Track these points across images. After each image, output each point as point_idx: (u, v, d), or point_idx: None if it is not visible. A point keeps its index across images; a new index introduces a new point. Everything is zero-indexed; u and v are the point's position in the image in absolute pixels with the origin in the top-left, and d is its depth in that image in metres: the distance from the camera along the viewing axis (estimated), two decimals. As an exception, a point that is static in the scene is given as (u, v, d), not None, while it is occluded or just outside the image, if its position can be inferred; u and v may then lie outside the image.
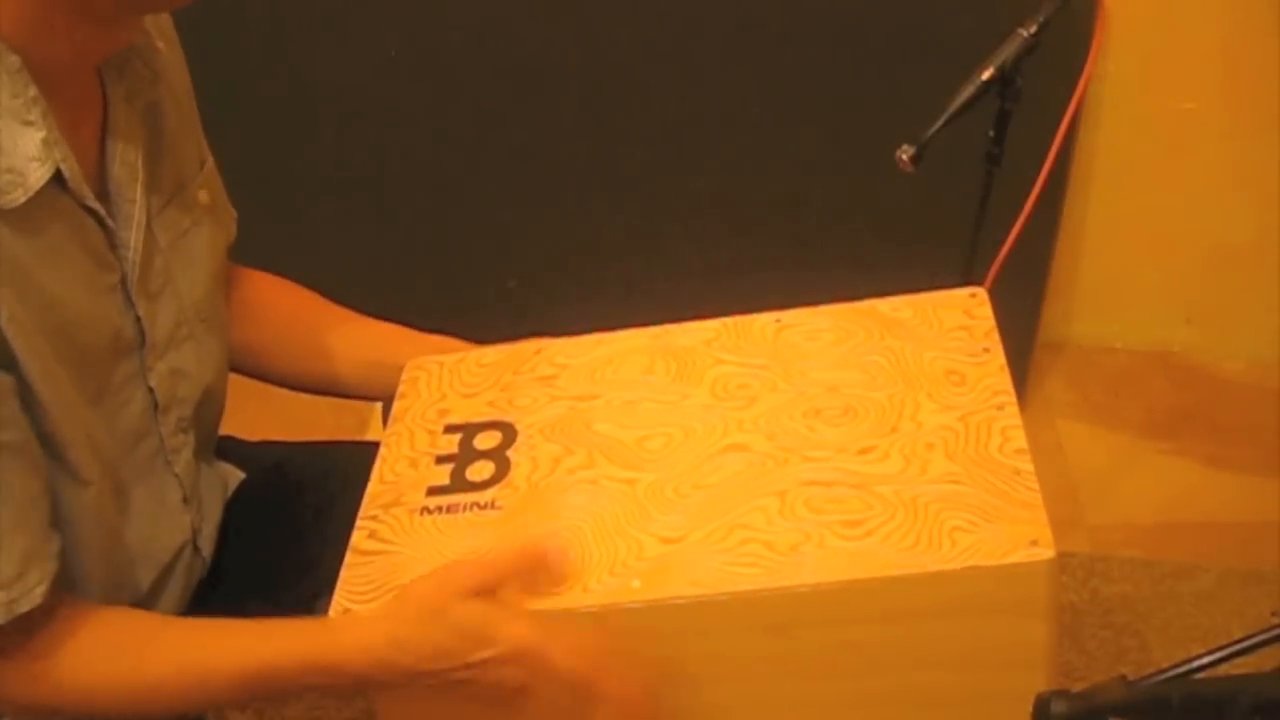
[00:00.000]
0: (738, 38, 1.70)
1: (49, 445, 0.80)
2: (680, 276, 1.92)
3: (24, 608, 0.77)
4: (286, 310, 1.10)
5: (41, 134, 0.76)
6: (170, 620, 0.88)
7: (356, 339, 1.07)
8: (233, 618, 0.84)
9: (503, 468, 0.89)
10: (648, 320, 1.00)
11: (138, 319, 0.87)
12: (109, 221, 0.84)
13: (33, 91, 0.75)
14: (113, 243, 0.85)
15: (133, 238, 0.86)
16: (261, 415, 1.26)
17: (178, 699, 0.83)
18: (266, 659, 0.80)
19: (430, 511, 0.86)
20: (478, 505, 0.86)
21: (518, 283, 1.99)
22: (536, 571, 0.78)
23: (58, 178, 0.78)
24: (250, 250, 1.08)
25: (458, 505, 0.86)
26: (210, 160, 0.99)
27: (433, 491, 0.88)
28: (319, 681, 0.81)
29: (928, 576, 0.74)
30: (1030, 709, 0.65)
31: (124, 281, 0.86)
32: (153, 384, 0.90)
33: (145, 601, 0.94)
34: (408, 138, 1.88)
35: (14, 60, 0.74)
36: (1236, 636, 0.67)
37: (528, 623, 0.76)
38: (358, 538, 0.86)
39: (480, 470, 0.89)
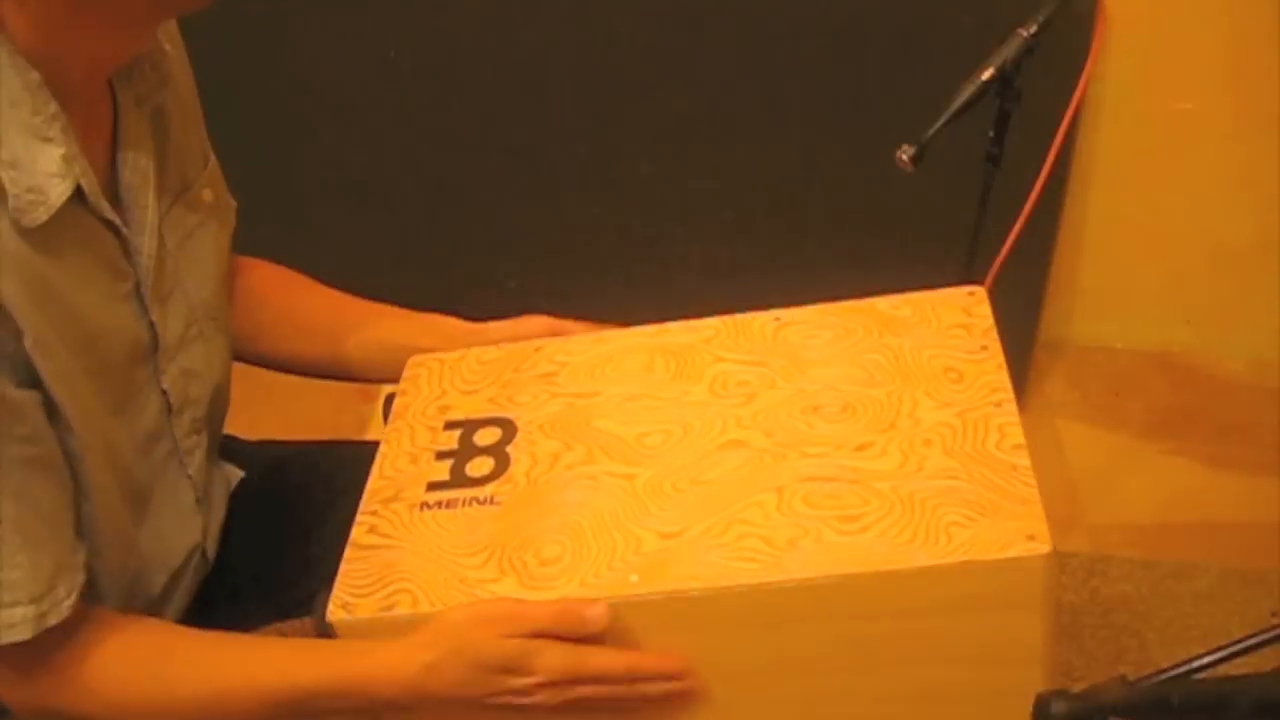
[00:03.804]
0: (738, 38, 1.70)
1: (69, 461, 0.80)
2: (680, 276, 1.92)
3: (52, 620, 0.77)
4: (287, 292, 1.10)
5: (61, 150, 0.75)
6: (194, 633, 0.86)
7: (359, 320, 1.07)
8: (256, 634, 0.83)
9: (502, 463, 0.89)
10: (648, 319, 1.00)
11: (151, 324, 0.87)
12: (124, 230, 0.83)
13: (53, 108, 0.75)
14: (127, 250, 0.84)
15: (145, 243, 0.85)
16: (261, 415, 1.27)
17: (201, 714, 0.82)
18: (299, 681, 0.80)
19: (430, 506, 0.87)
20: (477, 500, 0.86)
21: (517, 282, 1.99)
22: (573, 631, 0.77)
23: (77, 193, 0.77)
24: (250, 249, 1.08)
25: (457, 500, 0.87)
26: (213, 157, 0.99)
27: (432, 487, 0.88)
28: (347, 705, 0.80)
29: (925, 571, 0.74)
30: (1027, 704, 0.65)
31: (138, 288, 0.86)
32: (166, 386, 0.90)
33: (157, 604, 0.95)
34: (408, 138, 1.88)
35: (35, 77, 0.74)
36: (1236, 636, 0.67)
37: (561, 652, 0.76)
38: (357, 533, 0.86)
39: (480, 466, 0.89)
